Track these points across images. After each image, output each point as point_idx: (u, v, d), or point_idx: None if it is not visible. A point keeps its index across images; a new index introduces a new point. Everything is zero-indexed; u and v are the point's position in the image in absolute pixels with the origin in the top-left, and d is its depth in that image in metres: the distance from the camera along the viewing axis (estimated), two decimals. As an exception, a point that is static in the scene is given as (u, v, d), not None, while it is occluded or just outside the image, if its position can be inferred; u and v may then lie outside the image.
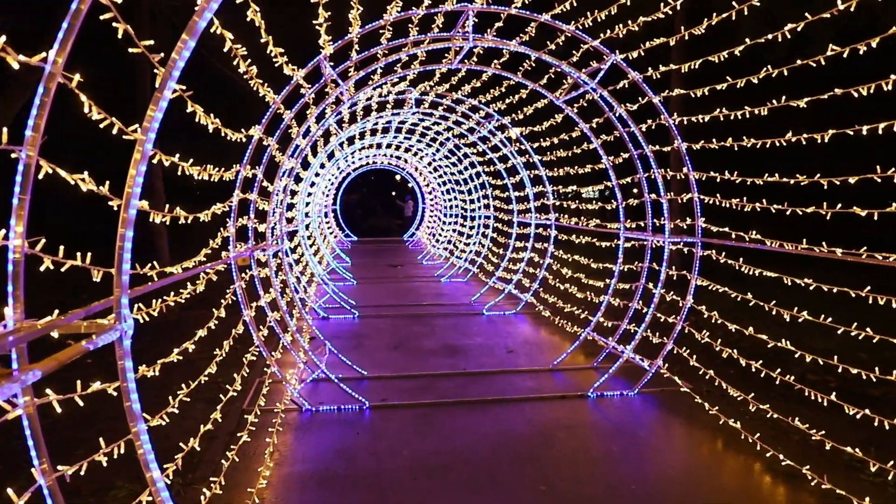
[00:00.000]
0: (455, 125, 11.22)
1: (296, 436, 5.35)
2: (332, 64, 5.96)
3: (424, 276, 15.36)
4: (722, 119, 5.52)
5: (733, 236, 5.57)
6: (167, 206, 7.13)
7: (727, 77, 4.99)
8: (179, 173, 4.04)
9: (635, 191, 7.56)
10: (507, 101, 8.85)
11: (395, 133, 14.64)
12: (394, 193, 40.32)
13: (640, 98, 6.31)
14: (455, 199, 17.99)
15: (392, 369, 7.34)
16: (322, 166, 15.01)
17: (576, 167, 8.97)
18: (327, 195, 22.78)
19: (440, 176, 18.77)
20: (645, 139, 6.41)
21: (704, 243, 6.22)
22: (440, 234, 20.63)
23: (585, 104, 7.32)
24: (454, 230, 18.54)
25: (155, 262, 3.47)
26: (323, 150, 11.07)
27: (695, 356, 6.13)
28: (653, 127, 6.46)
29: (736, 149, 5.38)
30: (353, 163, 20.56)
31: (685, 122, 5.91)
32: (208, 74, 16.82)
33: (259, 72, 4.94)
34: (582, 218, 9.04)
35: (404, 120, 12.73)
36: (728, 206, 5.70)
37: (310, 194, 15.39)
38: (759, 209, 5.24)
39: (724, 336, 7.02)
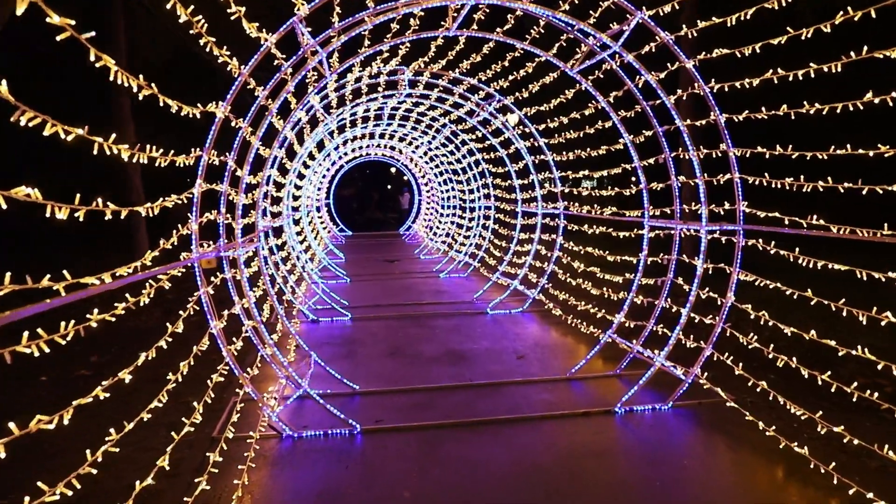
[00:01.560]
0: (453, 108, 10.31)
1: (272, 472, 4.47)
2: (310, 30, 5.06)
3: (422, 272, 14.48)
4: (765, 84, 4.65)
5: (786, 222, 4.70)
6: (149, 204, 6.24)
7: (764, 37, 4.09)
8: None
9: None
10: (511, 77, 7.94)
11: (388, 121, 13.73)
12: (389, 187, 39.51)
13: (668, 64, 5.42)
14: (453, 189, 17.09)
15: (388, 382, 6.47)
16: (312, 157, 14.11)
17: (588, 150, 8.08)
18: (319, 189, 21.88)
19: (437, 166, 17.86)
20: (679, 116, 5.51)
21: (747, 231, 5.34)
22: (438, 227, 19.74)
23: (602, 75, 6.42)
24: (452, 222, 17.65)
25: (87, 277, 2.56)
26: (310, 137, 10.15)
27: (740, 363, 5.25)
28: (683, 98, 5.56)
29: (792, 117, 4.50)
30: (346, 154, 19.64)
31: (723, 90, 5.02)
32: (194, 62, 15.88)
33: (238, 52, 4.14)
34: (595, 206, 8.17)
35: (397, 106, 11.84)
36: (771, 187, 4.83)
37: (298, 187, 14.51)
38: (819, 189, 4.36)
39: (771, 338, 6.15)
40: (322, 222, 22.99)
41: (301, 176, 14.13)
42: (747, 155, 5.09)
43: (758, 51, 4.61)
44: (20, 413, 4.44)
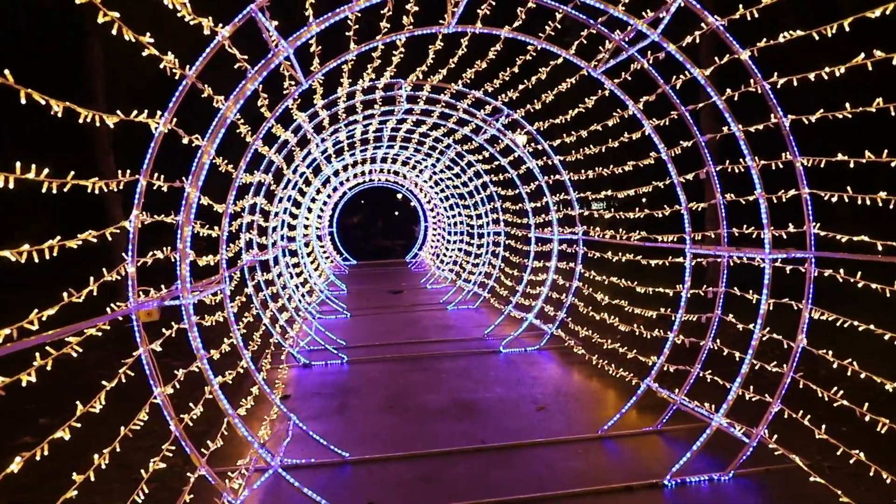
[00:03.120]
0: (457, 126, 9.38)
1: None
2: (276, 24, 4.13)
3: (428, 304, 13.46)
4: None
5: (879, 247, 3.69)
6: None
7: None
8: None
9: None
10: (521, 86, 7.00)
11: (388, 143, 12.85)
12: (396, 213, 38.74)
13: (717, 57, 4.44)
14: (459, 214, 16.13)
15: (384, 445, 5.43)
16: (308, 183, 13.20)
17: (611, 166, 7.10)
18: (321, 217, 21.00)
19: (442, 190, 16.93)
20: (732, 116, 4.52)
21: (820, 259, 4.32)
22: (445, 255, 18.75)
23: (629, 77, 5.46)
24: (460, 249, 16.66)
25: None
26: (300, 160, 9.23)
27: (820, 422, 4.20)
28: (735, 97, 4.57)
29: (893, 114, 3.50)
30: (347, 180, 18.76)
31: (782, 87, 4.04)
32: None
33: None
34: (620, 230, 7.18)
35: (397, 126, 10.94)
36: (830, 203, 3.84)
37: (294, 216, 13.60)
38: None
39: (852, 387, 5.08)
40: (324, 252, 22.07)
41: (297, 204, 13.23)
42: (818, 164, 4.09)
43: (829, 34, 3.64)
44: None
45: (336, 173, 16.33)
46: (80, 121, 3.00)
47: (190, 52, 4.03)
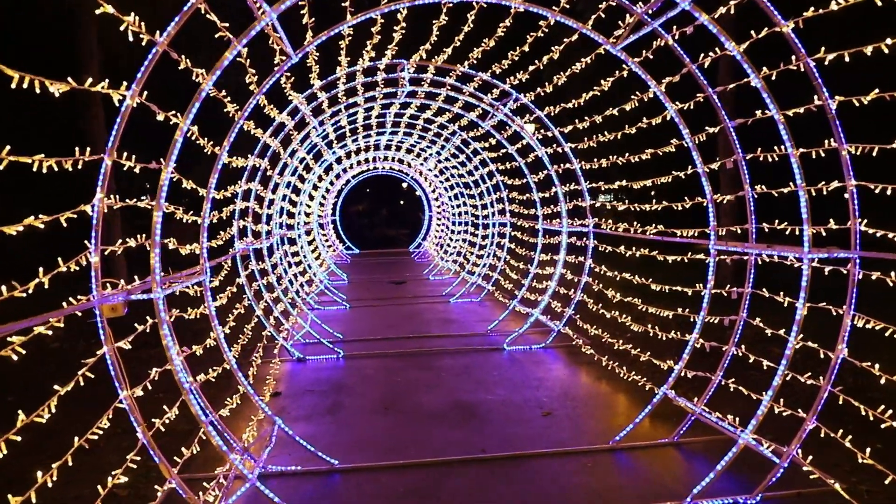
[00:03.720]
0: (463, 111, 8.92)
1: None
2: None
3: (430, 296, 13.03)
4: None
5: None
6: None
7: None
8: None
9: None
10: (531, 66, 6.53)
11: (392, 129, 12.40)
12: (402, 202, 38.31)
13: (753, 31, 3.97)
14: (464, 204, 15.68)
15: (377, 451, 5.01)
16: (308, 169, 12.76)
17: (627, 155, 6.64)
18: (323, 204, 20.57)
19: (447, 179, 16.46)
20: (773, 102, 4.05)
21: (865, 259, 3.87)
22: (449, 245, 18.30)
23: (651, 56, 4.99)
24: (464, 240, 16.21)
25: None
26: (297, 143, 8.79)
27: (861, 443, 3.76)
28: (773, 77, 4.09)
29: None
30: (350, 167, 18.31)
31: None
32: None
33: None
34: (635, 223, 6.72)
35: (400, 112, 10.49)
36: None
37: (293, 203, 13.18)
38: None
39: (884, 401, 4.63)
40: (327, 240, 21.66)
41: (297, 190, 12.80)
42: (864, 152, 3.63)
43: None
44: None
45: (339, 160, 15.89)
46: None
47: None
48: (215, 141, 4.64)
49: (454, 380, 6.92)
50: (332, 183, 19.40)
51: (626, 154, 6.63)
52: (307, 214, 16.58)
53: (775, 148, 4.32)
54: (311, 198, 16.96)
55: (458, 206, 16.64)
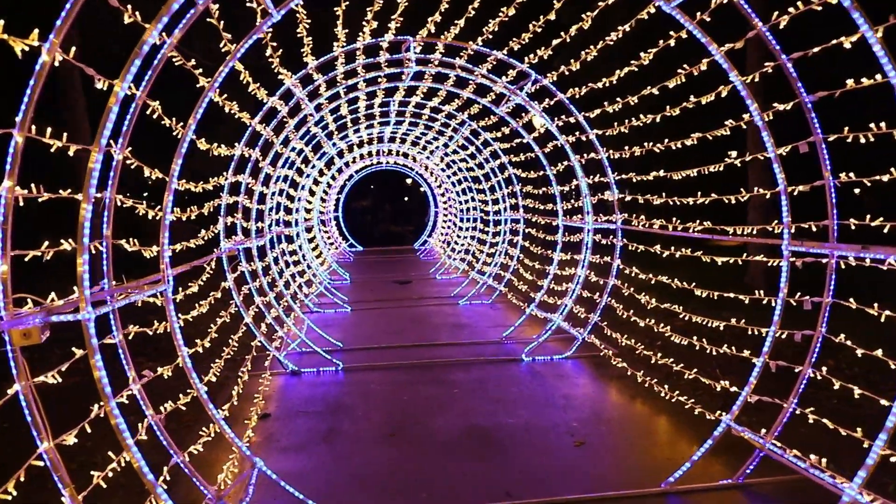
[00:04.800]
0: (475, 96, 8.08)
1: None
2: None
3: (438, 297, 12.19)
4: None
5: None
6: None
7: None
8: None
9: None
10: (554, 41, 5.69)
11: (396, 118, 11.58)
12: (406, 199, 37.61)
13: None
14: (473, 199, 14.83)
15: (379, 494, 4.18)
16: (307, 161, 11.93)
17: (666, 140, 5.79)
18: (325, 200, 19.76)
19: (454, 173, 15.61)
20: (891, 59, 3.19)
21: None
22: (456, 243, 17.45)
23: (708, 17, 4.13)
24: (472, 237, 15.35)
25: None
26: (293, 130, 7.95)
27: None
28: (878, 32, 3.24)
29: None
30: (353, 161, 17.47)
31: None
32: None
33: None
34: (674, 219, 5.88)
35: (405, 100, 9.67)
36: None
37: (291, 198, 12.37)
38: None
39: None
40: (329, 238, 20.85)
41: (294, 185, 11.97)
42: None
43: None
44: None
45: (340, 154, 15.07)
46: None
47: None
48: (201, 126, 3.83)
49: (469, 397, 6.08)
50: (333, 178, 18.57)
51: (666, 140, 5.79)
52: (307, 211, 15.76)
53: (872, 126, 3.48)
54: (312, 193, 16.14)
55: (466, 201, 15.80)
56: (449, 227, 19.39)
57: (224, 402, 5.07)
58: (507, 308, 10.76)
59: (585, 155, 7.33)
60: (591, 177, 7.39)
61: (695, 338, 5.27)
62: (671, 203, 6.12)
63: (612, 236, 7.18)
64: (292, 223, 12.28)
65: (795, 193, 4.21)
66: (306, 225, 14.82)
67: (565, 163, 7.88)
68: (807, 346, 4.04)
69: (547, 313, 8.40)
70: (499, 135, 10.00)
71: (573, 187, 7.94)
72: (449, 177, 16.44)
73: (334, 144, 12.89)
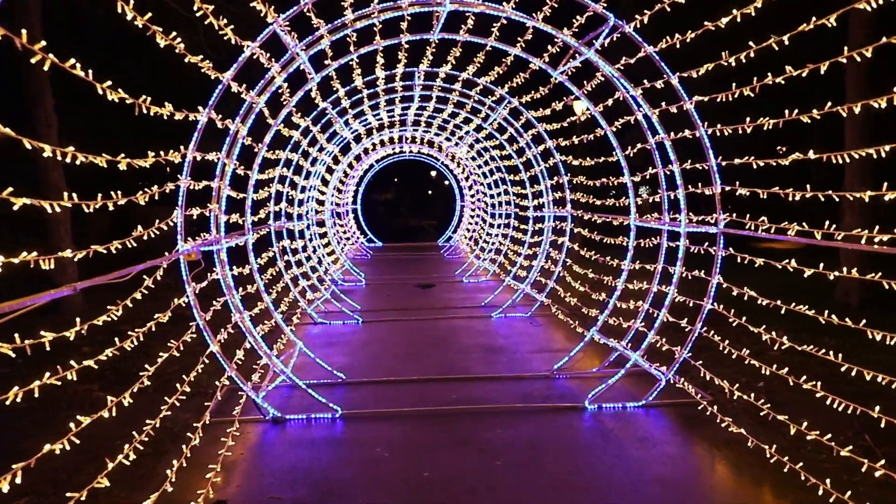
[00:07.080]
0: (527, 55, 6.20)
1: None
2: None
3: (466, 307, 10.34)
4: None
5: None
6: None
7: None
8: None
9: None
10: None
11: (419, 104, 9.81)
12: (430, 192, 36.11)
13: None
14: (506, 192, 12.93)
15: None
16: (315, 144, 10.14)
17: (759, 119, 3.89)
18: (343, 192, 18.00)
19: (485, 162, 13.73)
20: None
21: None
22: (485, 242, 15.57)
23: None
24: (504, 236, 13.46)
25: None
26: (293, 108, 6.14)
27: None
28: None
29: None
30: (374, 147, 15.65)
31: None
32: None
33: None
34: (748, 216, 4.11)
35: (433, 70, 7.86)
36: None
37: (300, 188, 10.64)
38: None
39: None
40: (345, 233, 19.08)
41: (299, 171, 10.22)
42: None
43: None
44: None
45: (357, 138, 13.27)
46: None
47: None
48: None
49: (515, 476, 4.22)
50: (350, 166, 16.79)
51: (758, 118, 3.92)
52: (319, 202, 14.00)
53: None
54: (325, 182, 14.37)
55: (498, 194, 13.90)
56: (477, 224, 17.51)
57: (156, 484, 3.29)
58: (550, 324, 8.89)
59: (671, 134, 5.43)
60: (682, 164, 5.49)
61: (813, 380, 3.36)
62: (763, 198, 4.35)
63: (706, 243, 5.30)
64: (297, 217, 10.53)
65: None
66: (318, 219, 13.07)
67: (641, 146, 6.00)
68: None
69: (607, 338, 6.51)
70: (547, 112, 8.10)
71: (650, 175, 6.08)
72: (480, 166, 14.57)
73: (350, 127, 11.10)
